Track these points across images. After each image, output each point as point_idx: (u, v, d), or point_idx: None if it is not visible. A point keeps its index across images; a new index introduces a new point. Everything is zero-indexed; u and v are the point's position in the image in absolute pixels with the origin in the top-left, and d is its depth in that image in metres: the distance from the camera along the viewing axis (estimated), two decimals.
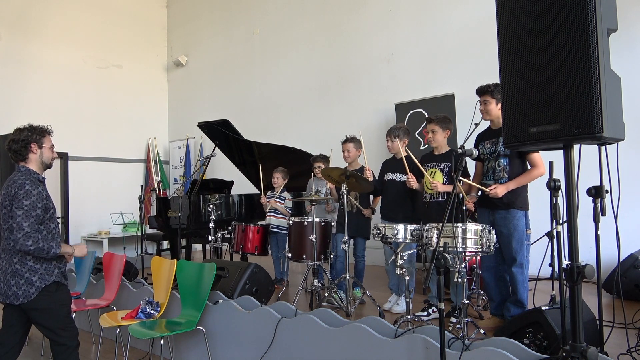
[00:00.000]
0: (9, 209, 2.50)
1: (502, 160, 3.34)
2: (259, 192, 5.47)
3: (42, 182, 2.68)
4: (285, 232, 4.85)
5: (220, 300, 3.38)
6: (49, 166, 2.77)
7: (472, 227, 2.96)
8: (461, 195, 3.27)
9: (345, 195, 3.88)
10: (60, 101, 8.36)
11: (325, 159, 4.90)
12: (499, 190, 3.21)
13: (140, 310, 3.29)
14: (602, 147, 2.16)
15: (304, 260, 4.13)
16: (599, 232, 2.45)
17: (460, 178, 3.25)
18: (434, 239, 3.03)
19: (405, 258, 3.28)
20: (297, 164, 5.61)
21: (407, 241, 3.37)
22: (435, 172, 3.74)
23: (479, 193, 3.54)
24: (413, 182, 3.76)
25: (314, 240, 4.03)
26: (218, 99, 9.32)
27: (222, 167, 7.93)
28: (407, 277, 3.31)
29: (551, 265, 2.95)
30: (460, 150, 2.59)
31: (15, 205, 2.47)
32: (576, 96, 1.70)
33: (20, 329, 2.69)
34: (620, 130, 1.75)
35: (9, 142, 2.64)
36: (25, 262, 2.56)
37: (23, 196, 2.48)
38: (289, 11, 8.24)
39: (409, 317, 3.26)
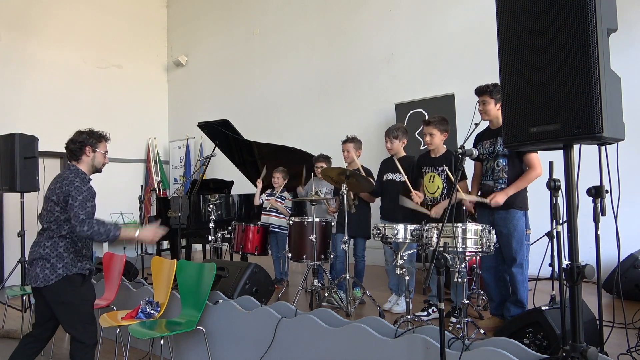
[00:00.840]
0: (55, 201, 2.68)
1: (501, 160, 3.34)
2: (259, 193, 5.46)
3: (89, 181, 2.85)
4: (285, 232, 4.85)
5: (220, 300, 3.38)
6: (98, 170, 2.98)
7: (472, 227, 2.96)
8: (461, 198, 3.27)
9: (345, 195, 3.88)
10: (60, 101, 8.35)
11: (327, 159, 4.90)
12: (499, 198, 3.22)
13: (140, 310, 3.29)
14: (602, 147, 2.16)
15: (304, 260, 4.13)
16: (599, 232, 2.45)
17: (461, 194, 3.26)
18: (434, 239, 3.03)
19: (405, 258, 3.28)
20: (297, 164, 5.61)
21: (407, 241, 3.37)
22: (434, 176, 3.74)
23: (479, 194, 3.54)
24: (418, 198, 3.75)
25: (314, 240, 4.03)
26: (218, 99, 9.31)
27: (222, 167, 7.93)
28: (407, 277, 3.32)
29: (551, 265, 2.95)
30: (460, 151, 2.59)
31: (71, 198, 2.65)
32: (576, 96, 1.70)
33: (50, 325, 2.84)
34: (620, 130, 1.75)
35: (68, 142, 2.86)
36: (56, 248, 2.70)
37: (75, 191, 2.66)
38: (289, 11, 8.24)
39: (409, 317, 3.26)
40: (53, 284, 2.65)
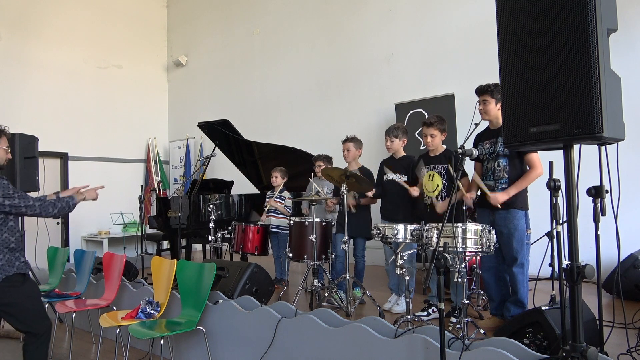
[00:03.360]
0: None
1: (501, 161, 3.34)
2: (259, 193, 5.46)
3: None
4: (285, 232, 4.85)
5: (220, 300, 3.38)
6: (1, 167, 2.85)
7: (472, 227, 2.96)
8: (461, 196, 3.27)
9: (345, 195, 3.88)
10: (60, 101, 8.36)
11: (327, 158, 4.90)
12: (500, 197, 3.22)
13: (140, 310, 3.29)
14: (602, 147, 2.15)
15: (305, 260, 4.13)
16: (599, 232, 2.45)
17: (460, 184, 3.26)
18: (434, 239, 3.03)
19: (405, 258, 3.28)
20: (297, 164, 5.61)
21: (407, 241, 3.37)
22: (434, 174, 3.74)
23: (479, 192, 3.54)
24: (415, 192, 3.76)
25: (314, 240, 4.03)
26: (218, 99, 9.32)
27: (222, 167, 7.94)
28: (407, 277, 3.31)
29: (551, 265, 2.95)
30: (460, 151, 2.59)
31: (7, 199, 2.57)
32: (576, 96, 1.70)
33: None
34: (620, 130, 1.75)
35: None
36: None
37: (2, 190, 2.57)
38: (289, 11, 8.24)
39: (409, 317, 3.26)
40: None
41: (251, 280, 3.83)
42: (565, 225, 1.97)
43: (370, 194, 4.14)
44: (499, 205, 3.24)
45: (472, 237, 2.93)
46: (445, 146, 3.84)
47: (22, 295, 2.68)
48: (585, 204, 2.26)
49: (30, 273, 2.82)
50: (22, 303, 2.67)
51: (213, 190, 6.39)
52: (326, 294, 4.20)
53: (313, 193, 4.37)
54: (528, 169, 3.29)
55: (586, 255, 2.31)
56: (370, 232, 3.62)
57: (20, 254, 2.73)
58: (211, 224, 5.02)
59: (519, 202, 3.30)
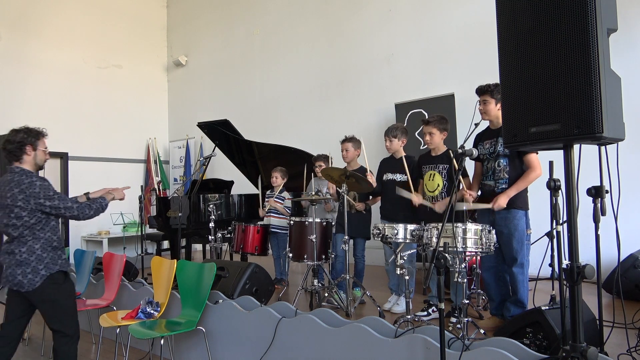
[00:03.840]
0: (28, 204, 2.62)
1: (501, 161, 3.34)
2: (258, 193, 5.46)
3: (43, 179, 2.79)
4: (285, 232, 4.85)
5: (220, 300, 3.38)
6: (41, 167, 2.87)
7: (472, 227, 2.96)
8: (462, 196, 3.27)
9: (345, 195, 3.88)
10: (60, 101, 8.36)
11: (326, 158, 4.90)
12: (502, 201, 3.21)
13: (140, 310, 3.29)
14: (602, 147, 2.15)
15: (305, 260, 4.13)
16: (599, 232, 2.45)
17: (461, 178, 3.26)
18: (434, 239, 3.03)
19: (405, 258, 3.28)
20: (297, 164, 5.61)
21: (407, 241, 3.37)
22: (434, 174, 3.74)
23: (479, 192, 3.54)
24: (418, 200, 3.75)
25: (314, 240, 4.03)
26: (218, 99, 9.31)
27: (222, 167, 7.93)
28: (407, 277, 3.31)
29: (551, 265, 2.95)
30: (460, 151, 2.59)
31: (42, 197, 2.63)
32: (576, 96, 1.70)
33: (21, 323, 2.81)
34: (620, 130, 1.75)
35: (5, 143, 2.73)
36: (33, 252, 2.67)
37: (44, 190, 2.65)
38: (289, 11, 8.24)
39: (409, 317, 3.26)
40: (39, 286, 2.65)
41: (251, 280, 3.83)
42: (565, 225, 1.97)
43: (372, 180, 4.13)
44: (503, 207, 3.23)
45: (472, 237, 2.93)
46: (446, 146, 3.84)
47: (64, 293, 2.76)
48: (585, 204, 2.26)
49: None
50: (61, 301, 2.74)
51: (213, 190, 6.39)
52: (326, 294, 4.20)
53: (313, 193, 4.38)
54: (527, 170, 3.29)
55: (586, 255, 2.31)
56: (370, 232, 3.62)
57: (62, 252, 2.81)
58: (211, 224, 5.02)
59: (519, 202, 3.30)
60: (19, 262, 2.65)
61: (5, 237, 2.74)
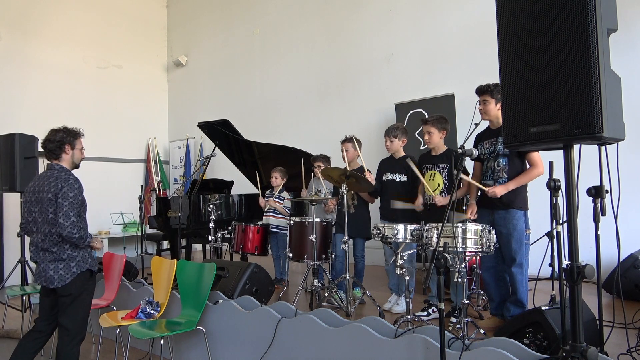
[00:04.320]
0: (54, 200, 2.73)
1: (501, 160, 3.34)
2: (259, 193, 5.46)
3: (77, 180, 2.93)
4: (285, 232, 4.85)
5: (220, 300, 3.38)
6: (77, 166, 3.04)
7: (472, 227, 2.96)
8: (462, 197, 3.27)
9: (345, 195, 3.88)
10: (60, 101, 8.35)
11: (325, 159, 4.90)
12: (498, 190, 3.22)
13: (140, 310, 3.29)
14: (602, 147, 2.16)
15: (305, 260, 4.14)
16: (599, 232, 2.45)
17: (462, 176, 3.27)
18: (434, 239, 3.03)
19: (405, 258, 3.28)
20: (297, 164, 5.60)
21: (407, 241, 3.37)
22: (435, 174, 3.74)
23: (479, 194, 3.54)
24: (418, 203, 3.76)
25: (314, 240, 4.03)
26: (218, 99, 9.31)
27: (222, 167, 7.93)
28: (407, 277, 3.32)
29: (551, 265, 2.95)
30: (460, 151, 2.59)
31: (61, 196, 2.72)
32: (576, 96, 1.70)
33: (53, 318, 2.91)
34: (620, 130, 1.75)
35: (45, 142, 2.89)
36: (64, 250, 2.79)
37: (68, 189, 2.76)
38: (289, 11, 8.24)
39: (409, 317, 3.26)
40: (69, 282, 2.77)
41: (251, 280, 3.83)
42: (565, 225, 1.97)
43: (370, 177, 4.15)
44: (498, 197, 3.23)
45: (472, 237, 2.93)
46: (447, 146, 3.84)
47: (87, 291, 2.88)
48: (585, 204, 2.26)
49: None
50: (81, 297, 2.84)
51: (213, 190, 6.39)
52: (326, 294, 4.20)
53: (313, 193, 4.38)
54: (529, 167, 3.29)
55: (586, 255, 2.31)
56: (370, 232, 3.62)
57: (91, 251, 2.93)
58: (211, 224, 5.02)
59: (519, 202, 3.30)
60: (53, 259, 2.77)
61: (39, 235, 2.81)
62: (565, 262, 1.91)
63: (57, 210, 2.72)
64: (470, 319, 3.20)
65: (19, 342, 2.90)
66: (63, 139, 2.89)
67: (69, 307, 2.80)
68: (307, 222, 4.16)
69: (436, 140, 3.75)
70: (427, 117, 3.85)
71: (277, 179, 5.26)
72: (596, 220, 2.37)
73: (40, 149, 2.93)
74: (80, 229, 2.75)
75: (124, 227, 8.01)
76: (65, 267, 2.76)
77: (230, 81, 9.15)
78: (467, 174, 3.72)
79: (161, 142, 9.96)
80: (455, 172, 2.55)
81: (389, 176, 4.14)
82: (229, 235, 5.00)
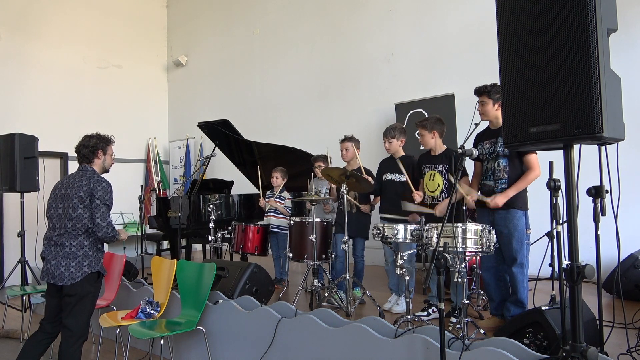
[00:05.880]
0: (86, 200, 2.84)
1: (501, 161, 3.34)
2: (259, 193, 5.47)
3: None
4: (285, 232, 4.85)
5: (220, 300, 3.38)
6: (107, 171, 3.18)
7: (472, 227, 2.96)
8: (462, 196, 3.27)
9: (345, 195, 3.88)
10: (60, 101, 8.35)
11: (325, 158, 4.90)
12: (499, 200, 3.22)
13: (140, 310, 3.29)
14: (602, 147, 2.16)
15: (305, 260, 4.14)
16: (599, 232, 2.45)
17: (459, 188, 3.27)
18: (434, 239, 3.03)
19: (405, 258, 3.28)
20: (297, 164, 5.61)
21: (407, 241, 3.37)
22: (434, 174, 3.74)
23: (479, 192, 3.54)
24: (419, 198, 3.76)
25: (314, 240, 4.03)
26: (218, 99, 9.31)
27: (222, 167, 7.93)
28: (407, 277, 3.32)
29: (551, 265, 2.95)
30: (460, 151, 2.59)
31: (98, 196, 2.85)
32: (576, 96, 1.70)
33: (58, 319, 2.91)
34: (620, 130, 1.75)
35: (79, 147, 3.06)
36: (82, 247, 2.85)
37: (102, 191, 2.88)
38: (289, 11, 8.24)
39: (409, 317, 3.26)
40: (78, 281, 2.79)
41: (251, 280, 3.83)
42: (565, 225, 1.97)
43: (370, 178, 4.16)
44: (500, 206, 3.24)
45: (472, 237, 2.93)
46: (446, 146, 3.85)
47: (93, 293, 2.90)
48: (585, 204, 2.26)
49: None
50: (87, 299, 2.86)
51: (213, 190, 6.39)
52: (326, 294, 4.20)
53: (313, 193, 4.38)
54: (526, 170, 3.29)
55: (586, 255, 2.31)
56: (370, 233, 3.63)
57: (102, 255, 3.00)
58: (211, 224, 5.02)
59: (519, 202, 3.30)
60: (67, 255, 2.81)
61: (56, 230, 2.87)
62: (565, 262, 1.91)
63: (94, 211, 2.83)
64: (470, 319, 3.20)
65: (24, 344, 2.91)
66: (96, 145, 3.05)
67: (74, 307, 2.81)
68: (307, 222, 4.17)
69: (427, 141, 3.77)
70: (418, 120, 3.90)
71: (278, 179, 5.26)
72: (596, 220, 2.37)
73: (76, 152, 3.10)
74: (113, 229, 2.91)
75: (124, 227, 8.01)
76: (77, 265, 2.80)
77: (230, 81, 9.16)
78: (467, 174, 3.72)
79: (161, 142, 9.96)
80: (457, 170, 2.55)
81: (388, 176, 4.15)
82: (229, 235, 5.00)
